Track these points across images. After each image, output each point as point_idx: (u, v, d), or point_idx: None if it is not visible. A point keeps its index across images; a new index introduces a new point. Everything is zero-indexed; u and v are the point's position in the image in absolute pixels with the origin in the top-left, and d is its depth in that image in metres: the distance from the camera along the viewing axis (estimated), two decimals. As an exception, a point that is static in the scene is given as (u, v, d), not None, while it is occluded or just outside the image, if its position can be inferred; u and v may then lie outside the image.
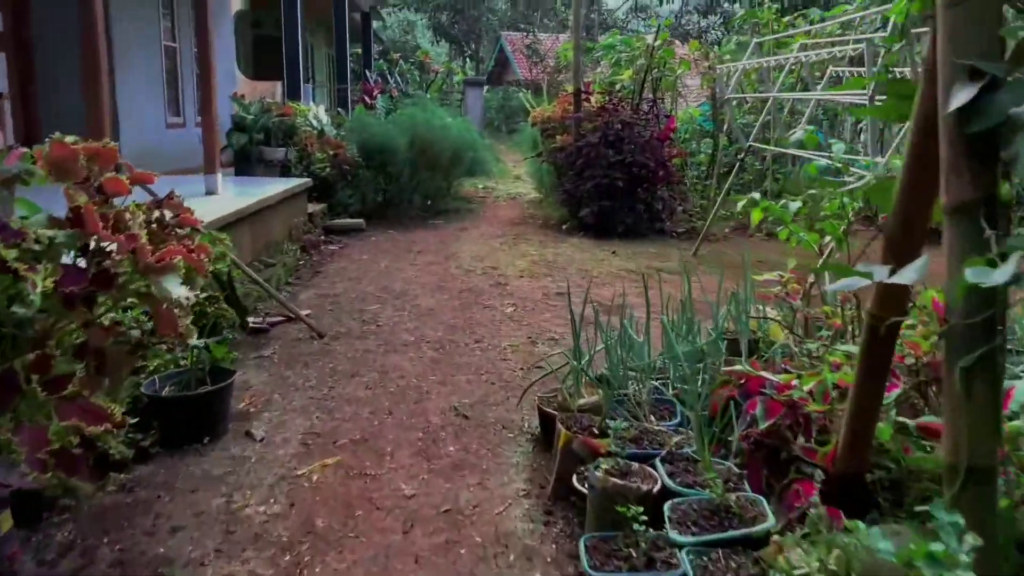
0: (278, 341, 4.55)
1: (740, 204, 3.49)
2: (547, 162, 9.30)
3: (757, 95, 7.76)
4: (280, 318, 4.97)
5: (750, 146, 7.09)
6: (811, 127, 6.06)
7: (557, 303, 5.60)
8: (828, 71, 6.88)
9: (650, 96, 9.38)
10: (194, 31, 7.31)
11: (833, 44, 5.92)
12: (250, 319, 4.89)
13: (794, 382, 2.59)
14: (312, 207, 8.38)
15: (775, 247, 8.07)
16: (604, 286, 6.15)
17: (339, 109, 14.76)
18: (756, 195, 3.32)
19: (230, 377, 3.30)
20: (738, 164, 7.28)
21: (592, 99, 8.97)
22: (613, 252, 7.57)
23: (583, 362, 2.97)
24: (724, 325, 3.42)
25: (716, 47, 10.15)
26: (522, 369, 4.08)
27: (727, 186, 7.47)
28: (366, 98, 11.64)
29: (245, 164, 8.84)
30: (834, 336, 2.84)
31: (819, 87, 6.98)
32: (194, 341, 3.00)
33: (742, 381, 2.82)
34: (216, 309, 4.21)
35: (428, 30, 24.41)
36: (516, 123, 28.63)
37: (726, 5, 17.99)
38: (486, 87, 26.86)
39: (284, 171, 9.09)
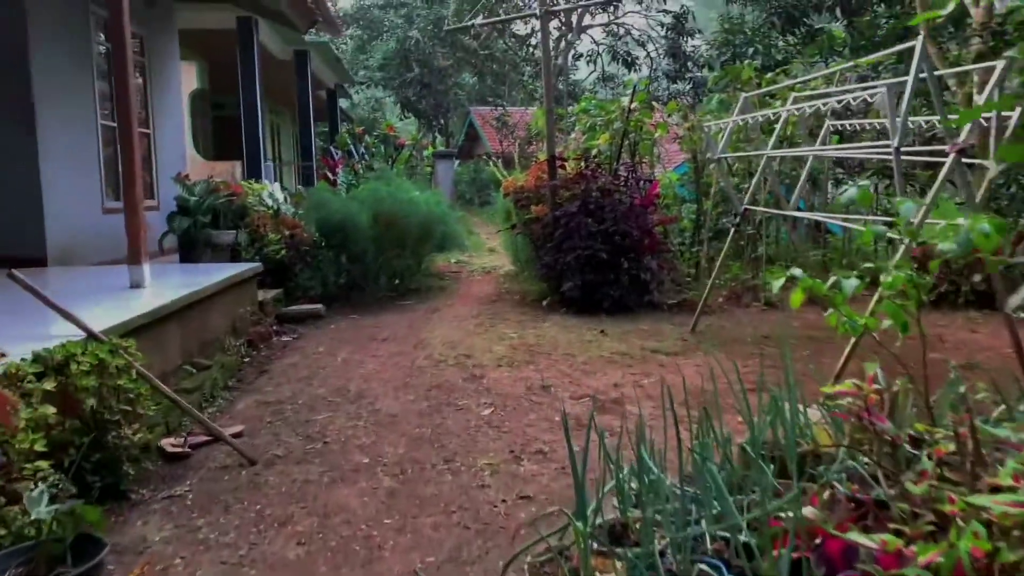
0: (198, 471, 3.64)
1: (774, 283, 2.70)
2: (522, 234, 8.59)
3: (753, 152, 7.14)
4: (206, 437, 4.06)
5: (746, 209, 6.41)
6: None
7: (542, 399, 4.75)
8: (826, 126, 6.29)
9: (628, 161, 8.78)
10: (114, 103, 6.60)
11: (837, 94, 5.31)
12: (168, 441, 3.98)
13: (905, 548, 1.76)
14: (264, 294, 7.54)
15: (777, 319, 7.34)
16: (595, 375, 5.32)
17: (300, 187, 14.12)
18: (797, 271, 2.54)
19: (101, 552, 2.39)
20: (733, 229, 6.58)
21: (567, 166, 8.33)
22: (601, 331, 6.77)
23: (590, 523, 2.10)
24: (762, 433, 2.62)
25: (692, 110, 9.64)
26: (504, 501, 3.20)
27: (723, 253, 6.77)
28: (328, 174, 10.96)
29: (190, 250, 8.02)
30: (938, 467, 2.02)
31: (816, 142, 6.38)
32: (43, 510, 2.13)
33: (817, 541, 1.99)
34: (114, 438, 3.33)
35: (396, 106, 24.11)
36: (488, 195, 28.30)
37: (695, 71, 17.88)
38: (457, 160, 26.55)
39: (234, 255, 8.27)
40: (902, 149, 4.01)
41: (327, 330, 7.26)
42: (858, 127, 6.31)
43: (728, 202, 9.50)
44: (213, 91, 16.92)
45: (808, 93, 6.17)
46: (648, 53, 21.03)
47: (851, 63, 6.98)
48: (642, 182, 8.40)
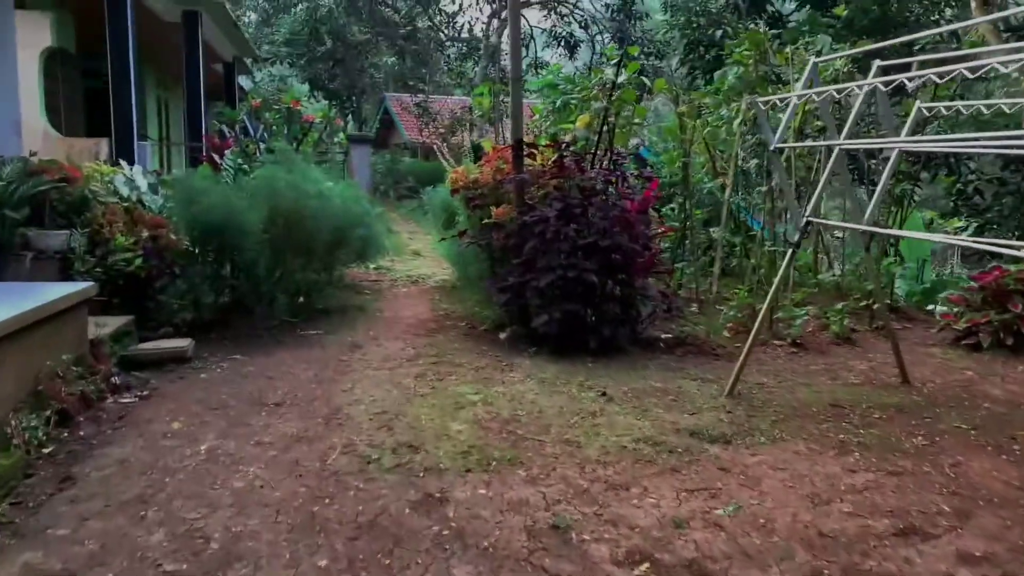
0: None
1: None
2: (475, 243, 6.43)
3: (822, 143, 5.25)
4: None
5: (808, 222, 4.50)
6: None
7: (563, 564, 2.66)
8: (915, 108, 4.44)
9: (620, 150, 6.77)
10: None
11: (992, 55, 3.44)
12: None
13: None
14: (100, 328, 5.11)
15: (818, 368, 5.50)
16: (631, 493, 3.26)
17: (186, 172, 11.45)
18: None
19: None
20: (792, 249, 4.64)
21: (537, 155, 6.24)
22: (603, 394, 4.72)
23: None
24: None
25: (685, 92, 7.68)
26: None
27: (777, 279, 4.83)
28: (215, 156, 8.48)
29: (-7, 258, 5.52)
30: None
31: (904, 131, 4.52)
32: None
33: None
34: None
35: (304, 85, 21.36)
36: (404, 188, 25.84)
37: (644, 58, 16.05)
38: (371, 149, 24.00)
39: (66, 266, 5.82)
40: None
41: (193, 383, 4.92)
42: (956, 110, 4.51)
43: (718, 205, 7.68)
44: (86, 55, 13.87)
45: (938, 56, 4.30)
46: (591, 37, 19.10)
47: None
48: (630, 177, 6.41)
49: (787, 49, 6.65)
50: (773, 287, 4.78)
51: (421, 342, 6.20)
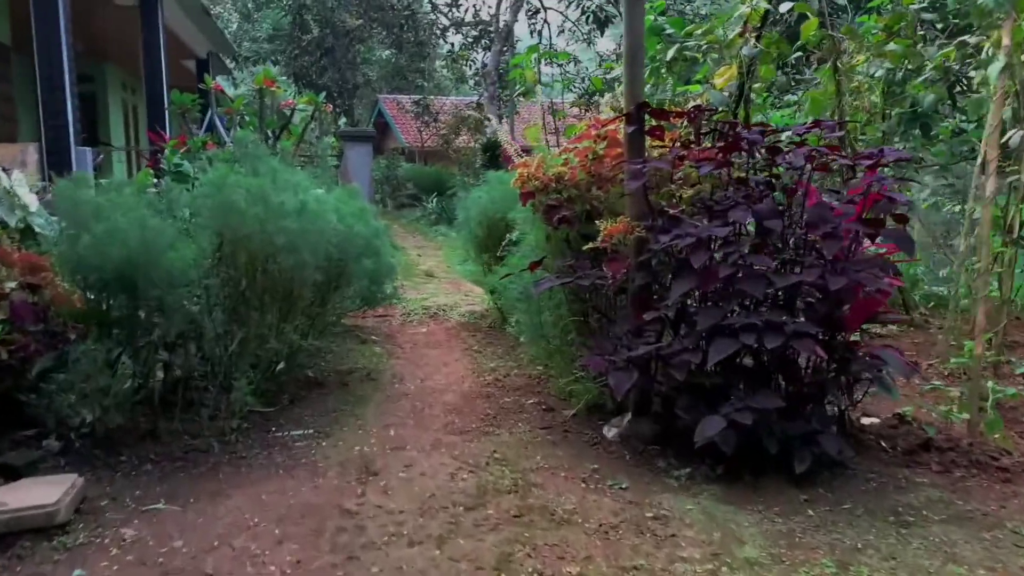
0: None
1: None
2: (571, 285, 3.77)
3: None
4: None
5: None
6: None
7: None
8: None
9: (766, 123, 4.23)
10: None
11: None
12: None
13: None
14: None
15: None
16: None
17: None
18: None
19: None
20: None
21: (664, 132, 3.68)
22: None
23: None
24: None
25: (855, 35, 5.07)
26: None
27: None
28: (159, 157, 5.99)
29: None
30: None
31: None
32: None
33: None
34: None
35: (289, 80, 18.89)
36: (404, 196, 23.24)
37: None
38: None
39: None
40: None
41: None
42: None
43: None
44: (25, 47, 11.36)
45: None
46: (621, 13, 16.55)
47: None
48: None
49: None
50: None
51: (476, 451, 3.68)
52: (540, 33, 19.09)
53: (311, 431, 4.03)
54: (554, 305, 4.21)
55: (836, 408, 3.60)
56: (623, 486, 3.24)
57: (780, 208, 3.24)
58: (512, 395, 4.68)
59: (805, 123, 4.01)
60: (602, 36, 16.48)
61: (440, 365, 5.53)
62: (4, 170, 4.52)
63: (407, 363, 5.60)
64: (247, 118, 7.14)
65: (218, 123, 8.50)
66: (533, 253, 4.37)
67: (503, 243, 5.15)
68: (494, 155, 15.17)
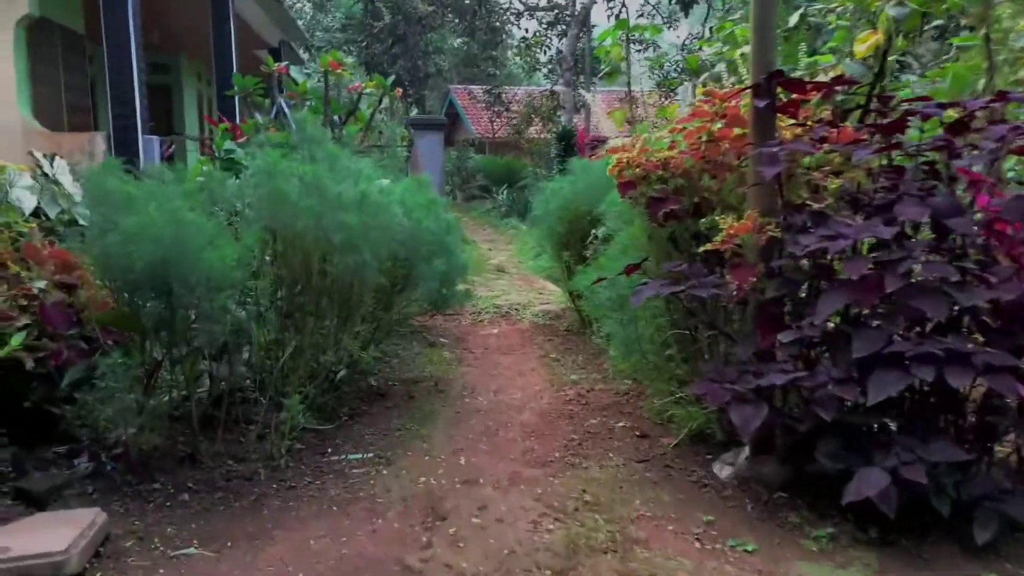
0: None
1: None
2: (682, 295, 3.09)
3: None
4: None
5: None
6: None
7: None
8: None
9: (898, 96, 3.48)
10: None
11: None
12: None
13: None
14: None
15: None
16: None
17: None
18: None
19: None
20: None
21: (800, 109, 2.99)
22: None
23: None
24: None
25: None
26: None
27: None
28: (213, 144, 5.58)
29: None
30: None
31: None
32: None
33: None
34: None
35: (361, 69, 18.63)
36: (474, 188, 22.74)
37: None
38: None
39: None
40: None
41: None
42: None
43: None
44: (88, 35, 11.29)
45: None
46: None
47: None
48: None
49: None
50: None
51: (562, 490, 3.09)
52: (617, 17, 18.23)
53: (371, 455, 3.52)
54: (652, 315, 3.57)
55: (1017, 456, 2.86)
56: (748, 548, 2.60)
57: (960, 207, 2.52)
58: (598, 415, 4.08)
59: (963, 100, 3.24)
60: (686, 17, 15.54)
61: (515, 375, 4.96)
62: (45, 156, 4.16)
63: (479, 371, 5.06)
64: (313, 103, 6.69)
65: (285, 107, 8.14)
66: (626, 253, 3.73)
67: (587, 240, 4.51)
68: (569, 144, 14.50)
